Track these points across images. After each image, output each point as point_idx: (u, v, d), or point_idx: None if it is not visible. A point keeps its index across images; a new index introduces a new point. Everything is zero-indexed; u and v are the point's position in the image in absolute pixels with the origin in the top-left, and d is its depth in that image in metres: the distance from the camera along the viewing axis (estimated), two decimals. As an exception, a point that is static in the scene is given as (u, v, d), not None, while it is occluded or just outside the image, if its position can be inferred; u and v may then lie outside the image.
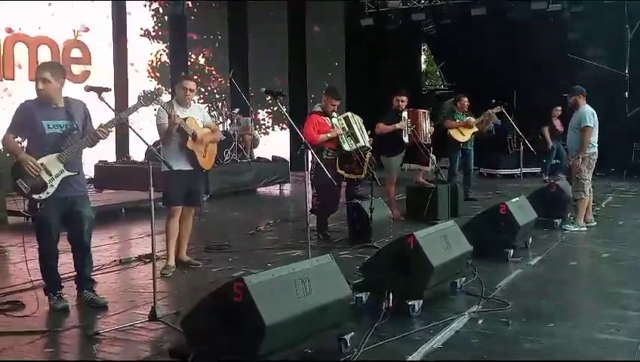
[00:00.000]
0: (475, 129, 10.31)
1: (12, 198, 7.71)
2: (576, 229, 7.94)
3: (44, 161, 4.58)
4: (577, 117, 8.03)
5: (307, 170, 6.17)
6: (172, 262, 6.03)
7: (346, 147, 7.25)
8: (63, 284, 4.98)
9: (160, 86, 5.55)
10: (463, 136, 10.22)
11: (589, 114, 7.92)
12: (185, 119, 5.74)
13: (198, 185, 6.13)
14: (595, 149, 8.00)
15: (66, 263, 5.24)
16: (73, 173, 4.69)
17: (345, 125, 7.36)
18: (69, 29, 13.63)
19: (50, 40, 13.21)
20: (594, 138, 7.96)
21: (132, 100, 13.65)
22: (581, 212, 8.03)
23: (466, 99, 10.40)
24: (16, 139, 4.76)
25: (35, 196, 4.58)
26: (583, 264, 6.39)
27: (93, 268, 5.64)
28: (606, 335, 4.15)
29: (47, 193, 4.59)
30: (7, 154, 4.86)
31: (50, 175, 4.59)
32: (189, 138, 5.77)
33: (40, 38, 13.00)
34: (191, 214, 6.19)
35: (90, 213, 4.97)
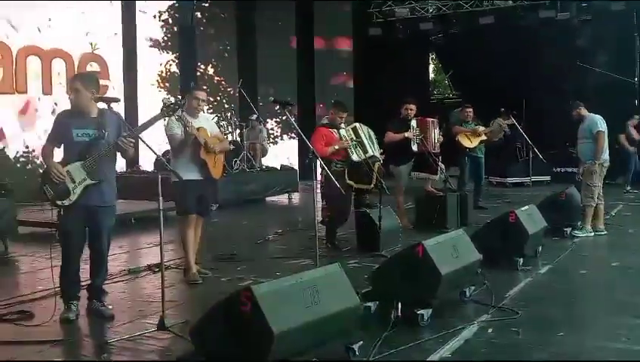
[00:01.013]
0: (484, 137, 10.31)
1: (39, 206, 7.76)
2: (584, 235, 7.94)
3: (70, 169, 4.65)
4: (586, 126, 8.08)
5: (315, 180, 6.18)
6: (194, 269, 6.04)
7: (355, 158, 7.25)
8: (79, 295, 4.93)
9: (179, 97, 5.60)
10: (470, 142, 10.21)
11: (599, 120, 8.01)
12: (197, 129, 5.77)
13: (208, 194, 6.16)
14: (607, 156, 8.06)
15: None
16: (95, 182, 4.70)
17: (353, 135, 7.37)
18: (85, 42, 13.68)
19: (65, 53, 13.23)
20: (606, 144, 8.01)
21: (142, 111, 13.88)
22: (588, 218, 8.03)
23: (470, 109, 10.40)
24: (54, 149, 4.82)
25: (59, 202, 4.64)
26: (593, 272, 6.34)
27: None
28: (617, 344, 4.12)
29: (70, 200, 4.64)
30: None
31: (74, 182, 4.64)
32: (202, 148, 5.79)
33: (54, 50, 13.02)
34: (200, 223, 6.21)
35: (110, 225, 4.95)
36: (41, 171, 4.83)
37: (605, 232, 8.17)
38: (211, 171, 5.96)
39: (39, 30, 12.67)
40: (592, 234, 8.01)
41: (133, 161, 13.65)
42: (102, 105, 4.74)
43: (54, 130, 4.81)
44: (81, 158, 4.66)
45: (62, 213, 4.67)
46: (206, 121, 6.15)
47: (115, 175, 5.03)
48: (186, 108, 5.99)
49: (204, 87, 16.26)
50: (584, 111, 8.18)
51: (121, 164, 13.26)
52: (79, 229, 4.79)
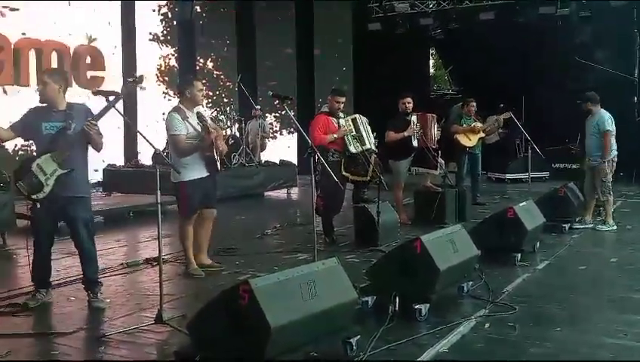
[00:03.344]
0: (482, 134, 10.33)
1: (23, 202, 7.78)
2: (607, 229, 8.17)
3: (40, 162, 4.70)
4: (594, 122, 8.22)
5: (315, 173, 6.16)
6: (195, 264, 6.02)
7: (352, 149, 7.25)
8: (49, 282, 5.07)
9: (142, 73, 5.38)
10: (469, 141, 10.21)
11: (608, 119, 8.16)
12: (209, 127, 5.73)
13: (212, 187, 6.08)
14: (616, 152, 8.25)
15: (74, 265, 5.28)
16: (66, 171, 4.74)
17: (352, 127, 7.37)
18: (81, 35, 13.71)
19: (63, 45, 13.25)
20: (613, 140, 8.19)
21: (140, 105, 13.88)
22: (609, 211, 8.29)
23: (474, 103, 10.40)
24: (12, 134, 4.91)
25: (34, 196, 4.70)
26: (591, 268, 6.34)
27: (101, 271, 5.70)
28: (614, 339, 4.12)
29: (44, 192, 4.69)
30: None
31: (46, 174, 4.69)
32: (214, 145, 5.73)
33: (52, 43, 13.04)
34: (211, 216, 6.14)
35: (87, 216, 4.98)
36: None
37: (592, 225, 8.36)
38: (218, 166, 5.92)
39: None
40: (615, 227, 8.24)
41: (132, 155, 13.67)
42: (99, 98, 4.71)
43: (21, 119, 4.90)
44: (51, 150, 4.72)
45: (37, 206, 4.73)
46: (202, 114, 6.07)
47: (87, 166, 5.06)
48: (185, 102, 5.90)
49: (204, 81, 16.31)
50: (591, 106, 8.28)
51: (119, 158, 13.33)
52: (50, 219, 4.87)
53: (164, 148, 8.93)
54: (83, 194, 4.96)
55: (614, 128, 8.19)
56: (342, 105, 7.41)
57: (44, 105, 4.89)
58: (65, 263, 6.21)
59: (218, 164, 5.91)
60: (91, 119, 4.73)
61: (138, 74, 5.03)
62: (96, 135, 4.78)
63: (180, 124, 5.69)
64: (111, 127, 11.88)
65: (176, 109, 5.85)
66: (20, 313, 4.76)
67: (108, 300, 5.07)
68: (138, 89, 12.74)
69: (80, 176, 4.89)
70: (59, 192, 4.74)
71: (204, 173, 5.84)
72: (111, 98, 4.65)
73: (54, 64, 12.88)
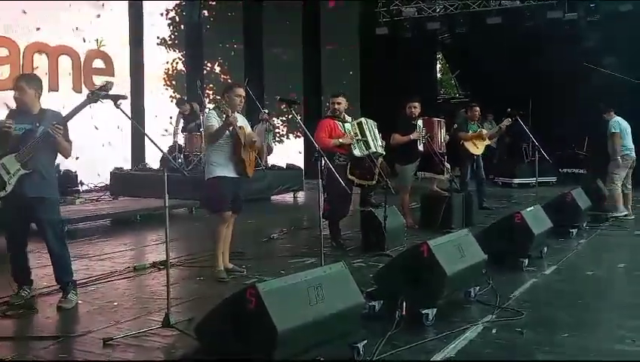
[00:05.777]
0: (488, 141, 10.35)
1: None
2: (621, 215, 9.09)
3: (4, 161, 4.86)
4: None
5: (321, 179, 6.17)
6: (222, 266, 6.04)
7: (357, 152, 7.25)
8: (30, 280, 5.23)
9: (110, 80, 5.30)
10: (477, 148, 10.20)
11: (613, 122, 9.30)
12: (239, 128, 5.80)
13: (241, 191, 6.17)
14: (629, 151, 9.30)
15: (80, 269, 5.29)
16: (28, 172, 4.85)
17: (357, 131, 7.36)
18: (91, 39, 13.75)
19: (71, 49, 13.28)
20: (624, 141, 9.27)
21: (148, 109, 13.93)
22: (617, 200, 9.14)
23: (477, 108, 10.40)
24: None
25: None
26: (599, 274, 6.32)
27: (108, 274, 5.72)
28: (622, 346, 4.10)
29: (6, 191, 4.86)
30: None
31: (9, 173, 4.85)
32: (242, 146, 5.80)
33: (61, 47, 13.06)
34: (232, 220, 6.20)
35: (53, 217, 5.05)
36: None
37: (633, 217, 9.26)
38: (247, 170, 5.98)
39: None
40: (625, 212, 9.14)
41: (140, 159, 13.70)
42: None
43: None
44: (16, 150, 4.85)
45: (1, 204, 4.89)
46: (243, 120, 6.13)
47: (53, 169, 5.19)
48: (228, 105, 5.92)
49: (210, 85, 16.36)
50: (606, 115, 9.44)
51: (127, 161, 13.35)
52: (18, 219, 5.00)
53: (170, 151, 8.97)
54: (46, 195, 5.01)
55: (620, 129, 9.23)
56: (341, 106, 7.39)
57: (17, 108, 5.04)
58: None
59: (247, 167, 5.94)
60: (57, 123, 4.79)
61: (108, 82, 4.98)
62: (63, 139, 4.89)
63: (214, 118, 5.85)
64: (119, 130, 11.95)
65: (216, 107, 6.04)
66: (26, 315, 4.79)
67: (115, 303, 5.09)
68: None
69: (43, 177, 4.97)
70: (21, 192, 4.86)
71: (234, 174, 5.91)
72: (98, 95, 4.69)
73: (63, 69, 12.94)
